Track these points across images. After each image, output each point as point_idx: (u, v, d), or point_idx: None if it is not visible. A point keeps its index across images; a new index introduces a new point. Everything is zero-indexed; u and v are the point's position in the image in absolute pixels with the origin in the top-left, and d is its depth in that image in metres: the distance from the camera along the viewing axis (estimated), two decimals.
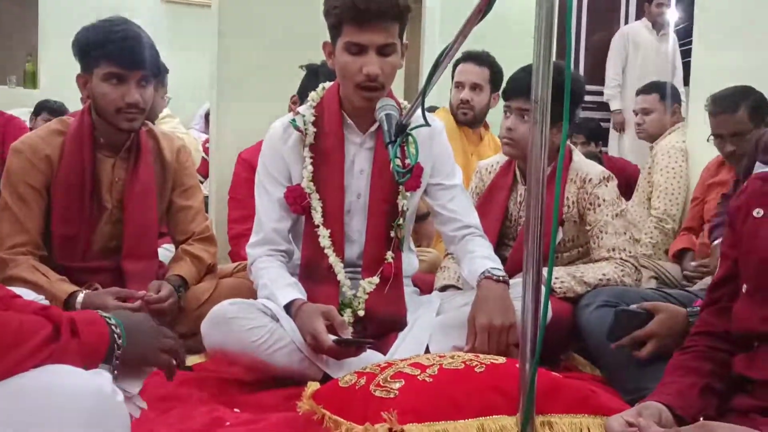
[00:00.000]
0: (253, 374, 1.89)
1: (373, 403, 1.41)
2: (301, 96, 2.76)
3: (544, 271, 1.19)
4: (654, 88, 3.93)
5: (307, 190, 2.00)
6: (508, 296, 1.89)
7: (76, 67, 2.16)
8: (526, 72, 2.26)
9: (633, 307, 1.78)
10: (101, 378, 1.09)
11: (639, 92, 3.98)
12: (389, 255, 2.02)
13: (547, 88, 1.20)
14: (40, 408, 1.01)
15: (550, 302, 1.20)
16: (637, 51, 5.51)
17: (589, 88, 5.80)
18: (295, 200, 2.01)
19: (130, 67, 2.08)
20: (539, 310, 1.20)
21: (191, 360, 2.13)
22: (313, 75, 2.72)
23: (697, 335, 1.39)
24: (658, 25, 5.52)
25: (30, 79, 6.19)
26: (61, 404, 1.01)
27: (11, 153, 2.15)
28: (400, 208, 2.03)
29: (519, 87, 2.22)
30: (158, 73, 2.19)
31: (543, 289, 1.19)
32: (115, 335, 1.19)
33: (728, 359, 1.33)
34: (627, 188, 3.70)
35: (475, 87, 3.21)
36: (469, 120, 3.28)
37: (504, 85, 2.41)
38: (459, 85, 3.27)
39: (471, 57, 3.21)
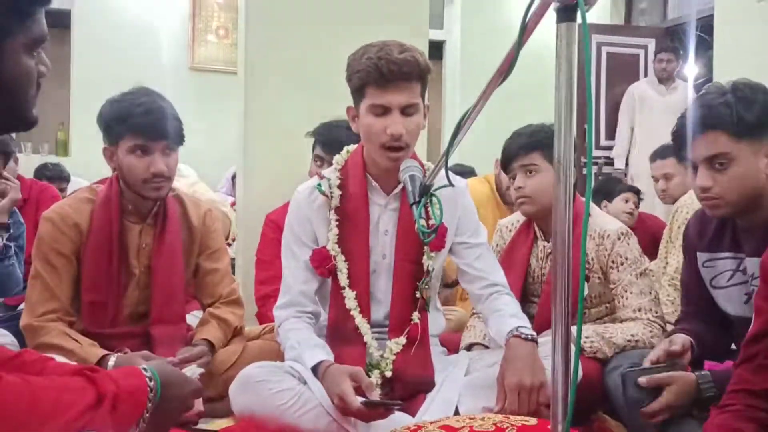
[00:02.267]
0: None
1: None
2: (323, 147, 2.79)
3: (573, 329, 1.18)
4: (669, 151, 3.80)
5: (333, 252, 2.02)
6: (537, 355, 1.87)
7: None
8: (517, 134, 2.36)
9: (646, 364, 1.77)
10: None
11: (654, 157, 3.87)
12: (415, 315, 2.02)
13: (570, 148, 1.21)
14: None
15: (580, 362, 1.18)
16: (643, 108, 5.55)
17: (609, 143, 5.85)
18: (321, 263, 2.02)
19: (154, 138, 2.13)
20: (570, 369, 1.18)
21: (218, 424, 2.13)
22: (325, 128, 2.77)
23: (735, 393, 1.36)
24: (664, 81, 5.56)
25: (62, 148, 6.36)
26: None
27: (42, 221, 2.19)
28: (425, 268, 2.04)
29: (517, 150, 2.30)
30: (182, 140, 2.24)
31: (572, 348, 1.18)
32: (150, 396, 1.20)
33: None
34: (654, 245, 3.67)
35: None
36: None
37: (501, 156, 2.43)
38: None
39: None
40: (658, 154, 3.83)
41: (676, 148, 1.81)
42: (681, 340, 1.82)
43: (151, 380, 1.22)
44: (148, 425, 1.21)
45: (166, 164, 2.16)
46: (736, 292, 1.83)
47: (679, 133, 1.78)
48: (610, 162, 5.81)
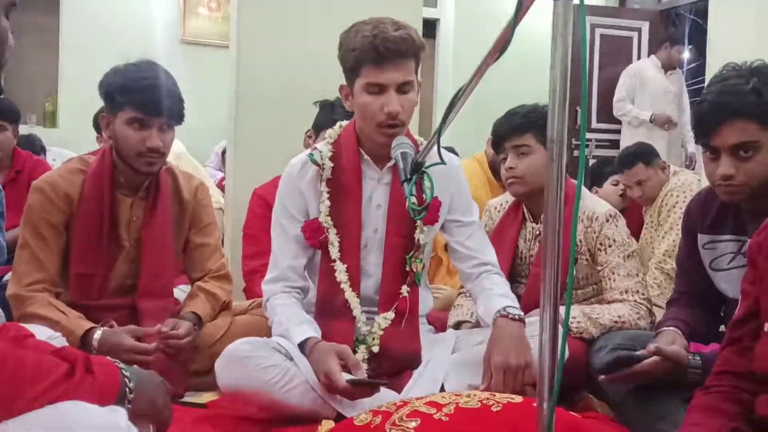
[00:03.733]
0: (266, 412, 1.88)
1: None
2: (316, 131, 2.79)
3: (561, 309, 1.18)
4: (633, 158, 3.70)
5: (325, 225, 2.01)
6: (524, 335, 1.88)
7: (93, 108, 2.20)
8: (510, 114, 2.35)
9: (640, 352, 1.77)
10: (117, 414, 1.10)
11: (621, 167, 3.73)
12: (405, 289, 2.02)
13: (563, 127, 1.20)
14: None
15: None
16: (645, 88, 5.55)
17: (602, 126, 5.86)
18: (313, 234, 2.02)
19: (152, 114, 2.11)
20: (557, 348, 1.19)
21: (205, 397, 2.13)
22: (331, 110, 2.75)
23: (720, 374, 1.37)
24: (667, 66, 5.56)
25: (49, 119, 6.30)
26: None
27: (32, 191, 2.17)
28: (416, 242, 2.03)
29: (509, 130, 2.30)
30: (181, 118, 2.23)
31: (560, 328, 1.18)
32: (126, 378, 1.21)
33: (753, 400, 1.31)
34: (641, 228, 3.68)
35: None
36: None
37: (493, 135, 2.42)
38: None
39: None
40: (624, 164, 3.69)
41: (697, 133, 1.77)
42: (677, 351, 1.76)
43: (120, 365, 1.23)
44: (134, 413, 1.21)
45: (162, 140, 2.15)
46: (736, 274, 1.83)
47: (703, 120, 1.74)
48: (601, 144, 5.81)
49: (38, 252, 2.12)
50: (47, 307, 2.05)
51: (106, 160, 2.20)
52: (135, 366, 1.37)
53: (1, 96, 1.58)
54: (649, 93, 5.54)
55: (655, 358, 1.70)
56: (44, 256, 2.12)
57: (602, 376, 1.80)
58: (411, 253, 2.03)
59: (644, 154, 3.70)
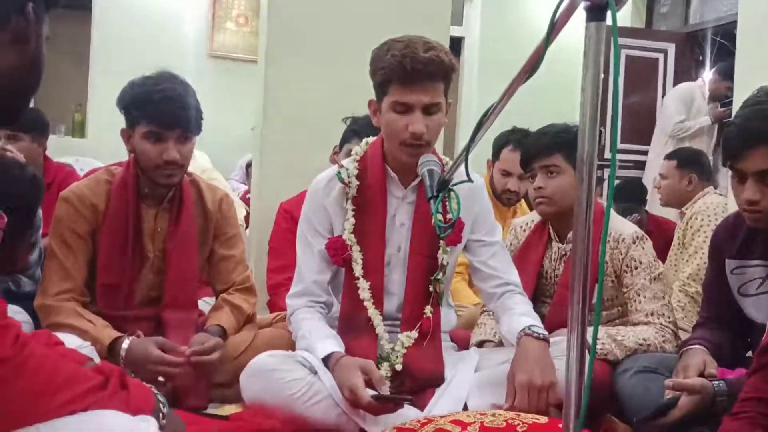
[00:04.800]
0: (289, 426, 1.88)
1: None
2: (341, 145, 2.80)
3: (588, 330, 1.18)
4: (675, 154, 3.94)
5: (349, 242, 2.02)
6: (548, 355, 1.86)
7: (121, 120, 2.22)
8: (540, 134, 2.35)
9: (666, 398, 1.75)
10: (147, 424, 1.11)
11: (664, 156, 4.01)
12: (428, 309, 2.02)
13: (594, 147, 1.20)
14: None
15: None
16: (689, 114, 5.47)
17: (626, 147, 5.83)
18: (336, 252, 2.02)
19: (167, 127, 2.13)
20: (584, 370, 1.18)
21: (228, 409, 2.14)
22: (356, 126, 2.77)
23: (747, 401, 1.36)
24: (713, 97, 5.47)
25: (78, 129, 6.38)
26: None
27: (59, 201, 2.20)
28: (439, 262, 2.04)
29: (539, 149, 2.29)
30: (199, 129, 2.24)
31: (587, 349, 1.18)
32: (160, 403, 1.22)
33: None
34: (667, 248, 3.66)
35: (523, 178, 3.05)
36: (511, 204, 3.30)
37: (522, 154, 2.43)
38: (505, 173, 3.20)
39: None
40: (667, 155, 3.95)
41: (726, 156, 1.77)
42: (700, 382, 1.74)
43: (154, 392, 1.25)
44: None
45: (180, 152, 2.16)
46: (765, 300, 1.81)
47: (730, 144, 1.73)
48: (625, 165, 5.78)
49: (65, 262, 2.15)
50: (75, 316, 2.07)
51: (130, 171, 2.22)
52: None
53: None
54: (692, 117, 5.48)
55: (686, 399, 1.68)
56: (71, 265, 2.15)
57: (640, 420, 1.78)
58: (435, 274, 2.03)
59: (683, 154, 3.93)
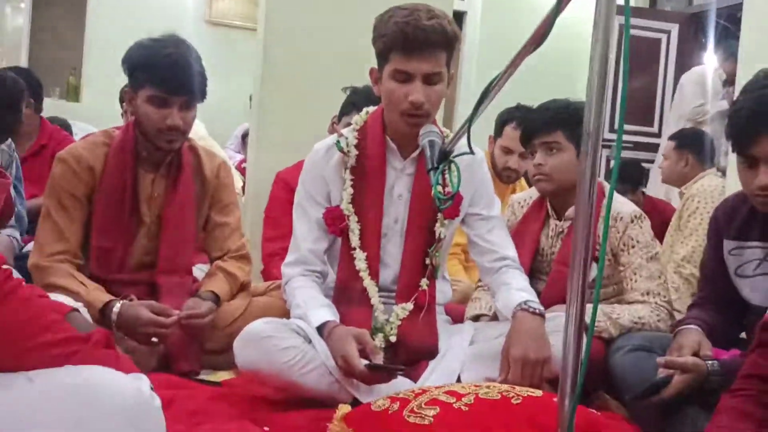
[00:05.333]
0: (282, 394, 1.88)
1: (407, 429, 1.39)
2: (341, 116, 2.78)
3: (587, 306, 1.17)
4: (675, 135, 3.99)
5: (346, 212, 2.01)
6: (543, 330, 1.86)
7: (117, 84, 2.20)
8: (542, 109, 2.31)
9: (659, 376, 1.76)
10: (141, 381, 1.12)
11: (668, 137, 4.08)
12: (424, 282, 2.01)
13: (600, 122, 1.19)
14: (82, 403, 1.04)
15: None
16: (705, 98, 5.44)
17: (630, 128, 5.80)
18: (333, 221, 2.01)
19: (173, 93, 2.11)
20: (581, 346, 1.18)
21: (220, 376, 2.14)
22: (355, 98, 2.74)
23: (747, 378, 1.36)
24: (729, 81, 5.43)
25: (72, 93, 6.32)
26: (102, 401, 1.04)
27: (56, 162, 2.18)
28: (437, 236, 2.03)
29: (540, 125, 2.26)
30: (204, 96, 2.21)
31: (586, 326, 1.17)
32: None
33: None
34: (664, 229, 3.66)
35: (524, 156, 3.01)
36: (510, 181, 3.28)
37: (522, 130, 2.41)
38: (507, 151, 3.17)
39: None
40: (670, 135, 4.01)
41: (735, 142, 1.75)
42: (693, 361, 1.73)
43: None
44: None
45: (183, 119, 2.14)
46: (762, 281, 1.81)
47: (739, 129, 1.71)
48: (626, 146, 5.76)
49: (60, 223, 2.13)
50: (68, 278, 2.06)
51: (129, 134, 2.20)
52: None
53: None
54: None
55: (679, 378, 1.68)
56: (66, 227, 2.13)
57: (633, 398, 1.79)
58: (432, 247, 2.02)
59: (681, 134, 4.00)
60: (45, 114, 3.62)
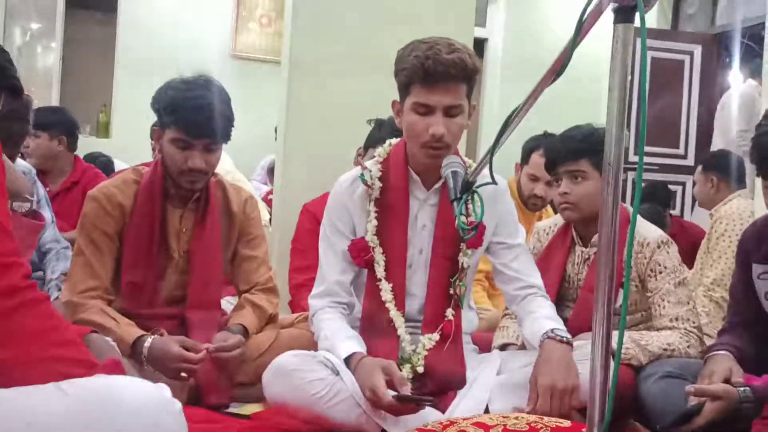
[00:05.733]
0: (310, 426, 1.89)
1: None
2: (366, 149, 2.80)
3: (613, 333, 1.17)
4: (702, 158, 4.08)
5: (371, 244, 2.02)
6: (571, 358, 1.85)
7: (145, 120, 2.24)
8: (566, 137, 2.31)
9: (690, 404, 1.73)
10: (162, 388, 1.17)
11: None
12: (449, 312, 2.02)
13: (620, 150, 1.19)
14: (108, 405, 1.09)
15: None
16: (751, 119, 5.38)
17: (651, 149, 5.76)
18: (359, 253, 2.03)
19: (195, 136, 2.14)
20: (608, 374, 1.17)
21: (249, 409, 2.15)
22: (379, 129, 2.77)
23: None
24: None
25: (103, 129, 6.46)
26: (126, 402, 1.10)
27: (87, 200, 2.22)
28: (460, 265, 2.03)
29: (566, 154, 2.26)
30: (228, 138, 2.25)
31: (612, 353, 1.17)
32: None
33: None
34: (694, 253, 3.62)
35: (551, 183, 2.91)
36: (537, 209, 3.27)
37: (547, 157, 2.41)
38: (534, 178, 3.17)
39: None
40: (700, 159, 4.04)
41: (759, 166, 1.74)
42: (723, 388, 1.73)
43: None
44: None
45: (206, 161, 2.17)
46: None
47: (761, 152, 1.70)
48: (649, 168, 5.72)
49: (92, 260, 2.17)
50: (100, 314, 2.09)
51: (157, 172, 2.24)
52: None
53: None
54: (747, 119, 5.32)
55: (710, 405, 1.66)
56: (98, 264, 2.17)
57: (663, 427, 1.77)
58: (455, 276, 2.02)
59: (708, 159, 3.99)
60: (79, 151, 3.73)
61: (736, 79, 6.12)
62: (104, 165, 4.51)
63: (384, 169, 2.06)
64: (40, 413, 1.07)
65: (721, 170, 3.76)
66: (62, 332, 1.19)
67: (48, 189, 3.25)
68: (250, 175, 5.96)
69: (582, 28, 1.17)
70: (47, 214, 2.77)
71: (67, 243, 2.57)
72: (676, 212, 5.62)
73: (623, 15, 1.14)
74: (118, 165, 4.80)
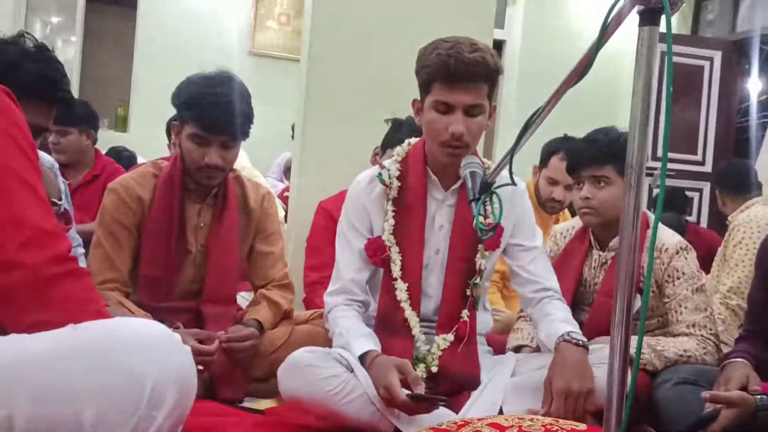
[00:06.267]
0: (324, 422, 1.89)
1: None
2: (384, 149, 2.80)
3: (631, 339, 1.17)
4: (726, 169, 4.02)
5: (388, 243, 2.02)
6: (586, 361, 1.85)
7: (163, 115, 2.24)
8: (591, 141, 2.27)
9: (706, 411, 1.72)
10: (160, 325, 1.32)
11: None
12: (465, 313, 2.01)
13: (643, 154, 1.19)
14: (116, 337, 1.20)
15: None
16: None
17: (673, 156, 5.72)
18: (375, 252, 2.03)
19: (213, 132, 2.15)
20: (626, 378, 1.17)
21: (263, 404, 2.16)
22: (398, 129, 2.77)
23: None
24: None
25: (121, 124, 6.49)
26: (132, 337, 1.22)
27: (107, 192, 2.24)
28: (477, 267, 2.03)
29: (588, 157, 2.23)
30: (246, 135, 2.25)
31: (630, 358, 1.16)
32: None
33: None
34: (709, 261, 3.60)
35: (570, 188, 2.92)
36: (554, 212, 3.27)
37: (569, 160, 2.39)
38: (552, 182, 3.16)
39: None
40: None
41: None
42: (739, 395, 1.71)
43: None
44: None
45: (223, 157, 2.18)
46: None
47: None
48: (669, 174, 5.69)
49: (111, 252, 2.19)
50: (117, 305, 2.10)
51: (176, 166, 2.25)
52: None
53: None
54: None
55: (726, 412, 1.65)
56: (116, 256, 2.19)
57: None
58: (472, 278, 2.02)
59: (714, 174, 4.02)
60: (98, 145, 3.75)
61: (755, 86, 6.08)
62: (128, 160, 4.54)
63: (402, 169, 2.06)
64: (53, 350, 1.16)
65: (721, 185, 3.79)
66: (98, 305, 1.29)
67: (69, 182, 3.27)
68: (266, 173, 5.97)
69: (606, 30, 1.17)
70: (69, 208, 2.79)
71: (80, 241, 2.60)
72: (692, 219, 5.60)
73: (649, 18, 1.13)
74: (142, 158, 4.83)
